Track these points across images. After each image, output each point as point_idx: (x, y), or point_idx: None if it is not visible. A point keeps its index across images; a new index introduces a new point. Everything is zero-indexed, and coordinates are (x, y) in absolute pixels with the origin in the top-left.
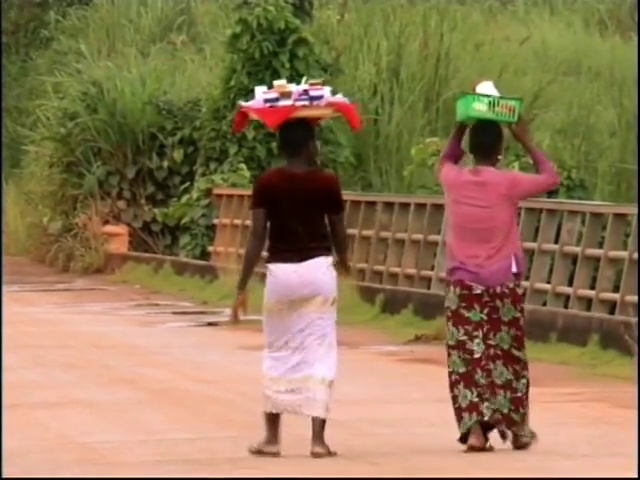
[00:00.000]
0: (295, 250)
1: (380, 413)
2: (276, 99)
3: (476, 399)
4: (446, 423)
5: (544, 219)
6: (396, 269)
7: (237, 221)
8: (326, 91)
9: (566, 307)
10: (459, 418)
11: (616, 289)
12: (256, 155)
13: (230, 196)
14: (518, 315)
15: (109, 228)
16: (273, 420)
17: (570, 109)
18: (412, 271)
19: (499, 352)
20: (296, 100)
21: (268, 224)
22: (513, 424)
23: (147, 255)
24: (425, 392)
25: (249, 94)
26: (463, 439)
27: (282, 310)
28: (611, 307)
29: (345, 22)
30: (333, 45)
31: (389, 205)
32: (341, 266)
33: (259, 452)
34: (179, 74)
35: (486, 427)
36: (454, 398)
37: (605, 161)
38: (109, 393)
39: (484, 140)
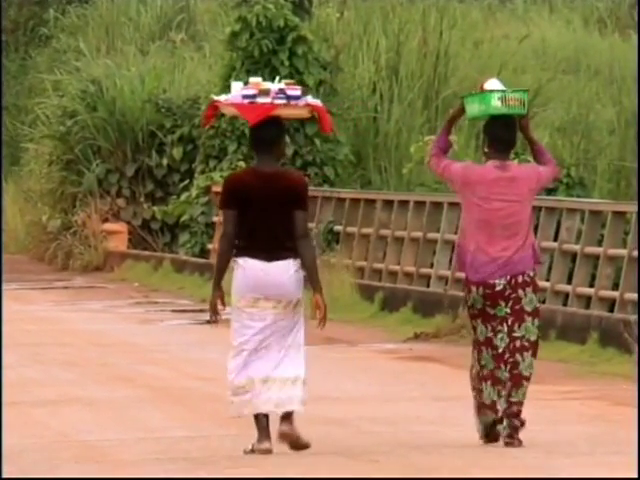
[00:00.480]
0: (264, 249)
1: (379, 411)
2: (254, 96)
3: (496, 398)
4: (445, 421)
5: (543, 217)
6: (395, 267)
7: None
8: (301, 91)
9: (565, 305)
10: (481, 413)
11: (615, 287)
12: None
13: None
14: (539, 305)
15: (108, 226)
16: (259, 420)
17: (569, 107)
18: (411, 269)
19: (526, 343)
20: (274, 98)
21: (239, 221)
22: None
23: (146, 253)
24: (424, 390)
25: None
26: (486, 436)
27: (247, 307)
28: (610, 305)
29: (344, 20)
30: (332, 43)
31: (388, 203)
32: (313, 289)
33: (252, 452)
34: (178, 72)
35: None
36: (479, 392)
37: (604, 159)
38: (108, 391)
39: (506, 135)
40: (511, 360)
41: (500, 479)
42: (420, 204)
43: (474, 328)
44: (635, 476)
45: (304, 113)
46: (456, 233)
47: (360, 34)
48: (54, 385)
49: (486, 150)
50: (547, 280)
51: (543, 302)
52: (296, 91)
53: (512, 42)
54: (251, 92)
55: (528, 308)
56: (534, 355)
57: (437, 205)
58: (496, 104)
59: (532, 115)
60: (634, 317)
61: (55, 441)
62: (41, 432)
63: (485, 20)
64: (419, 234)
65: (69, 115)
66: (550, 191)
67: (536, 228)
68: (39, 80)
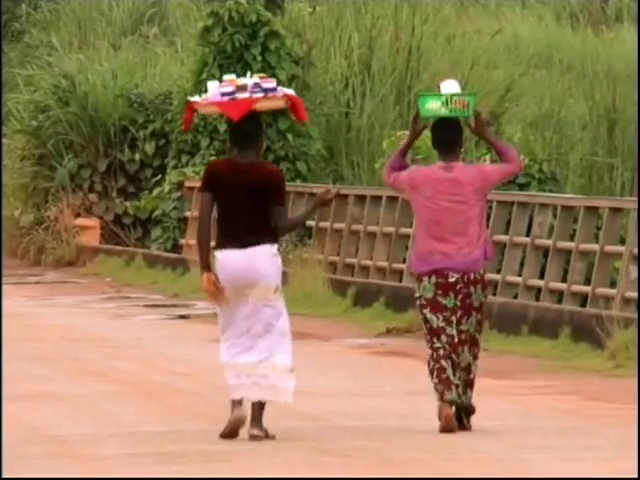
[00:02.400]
0: (239, 237)
1: (352, 406)
2: (233, 92)
3: (459, 381)
4: (417, 415)
5: (515, 212)
6: (368, 262)
7: None
8: (275, 83)
9: (537, 300)
10: (448, 388)
11: (587, 282)
12: (228, 148)
13: None
14: (484, 300)
15: (81, 221)
16: (236, 406)
17: (541, 102)
18: (384, 264)
19: (467, 337)
20: (252, 92)
21: (215, 212)
22: (467, 408)
23: (119, 248)
24: (396, 385)
25: None
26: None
27: (229, 297)
28: (582, 300)
29: (316, 15)
30: (305, 38)
31: (361, 198)
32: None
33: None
34: (151, 67)
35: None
36: (441, 369)
37: (576, 154)
38: (80, 386)
39: (445, 136)
40: (457, 352)
41: (496, 479)
42: (393, 199)
43: (425, 321)
44: (635, 476)
45: (281, 104)
46: None
47: (332, 29)
48: (26, 380)
49: (434, 151)
50: (519, 275)
51: (494, 294)
52: (271, 83)
53: (484, 37)
54: (229, 89)
55: (475, 304)
56: (471, 349)
57: (409, 201)
58: (432, 106)
59: (504, 110)
60: (606, 312)
61: (27, 436)
62: (13, 427)
63: (457, 15)
64: (391, 229)
65: (41, 110)
66: (522, 186)
67: (508, 223)
68: (11, 75)
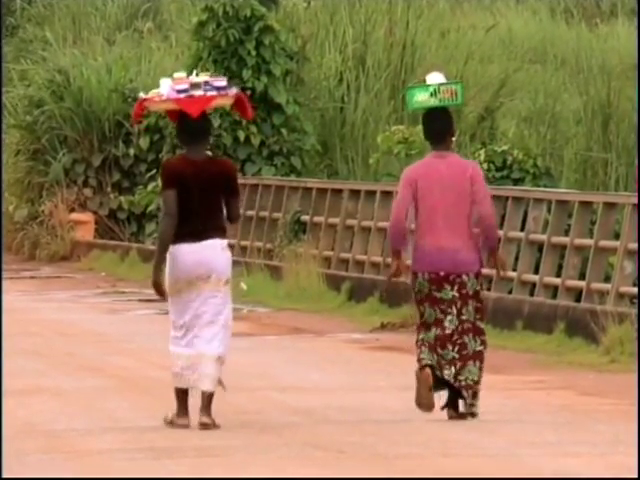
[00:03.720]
0: (194, 231)
1: (346, 401)
2: (188, 90)
3: (442, 361)
4: (411, 411)
5: (510, 207)
6: (362, 257)
7: None
8: (226, 81)
9: (532, 295)
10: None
11: (582, 277)
12: (222, 143)
13: None
14: (479, 288)
15: (75, 216)
16: (182, 395)
17: (536, 97)
18: (378, 259)
19: (469, 325)
20: (205, 90)
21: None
22: (476, 392)
23: (113, 243)
24: (390, 380)
25: None
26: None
27: (182, 289)
28: (577, 295)
29: (311, 10)
30: (299, 33)
31: (355, 193)
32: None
33: (171, 423)
34: (145, 62)
35: (453, 396)
36: (420, 357)
37: (571, 149)
38: (75, 381)
39: (435, 125)
40: (459, 342)
41: (491, 479)
42: (387, 194)
43: (421, 314)
44: (635, 476)
45: (230, 102)
46: None
47: (327, 24)
48: (21, 375)
49: (425, 139)
50: (514, 270)
51: (488, 289)
52: (222, 82)
53: (479, 32)
54: (184, 87)
55: (470, 292)
56: (481, 334)
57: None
58: (421, 98)
59: (499, 105)
60: (600, 307)
61: (22, 431)
62: (8, 422)
63: (452, 10)
64: (386, 224)
65: (36, 105)
66: (517, 181)
67: (503, 218)
68: (5, 70)
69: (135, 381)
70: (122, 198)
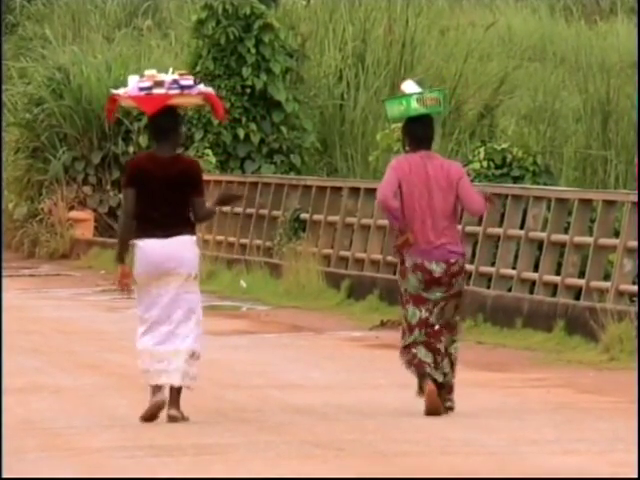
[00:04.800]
0: (161, 228)
1: (345, 398)
2: (150, 87)
3: (437, 357)
4: (411, 409)
5: (510, 205)
6: (362, 255)
7: None
8: (193, 81)
9: (531, 293)
10: (422, 372)
11: (582, 275)
12: (222, 141)
13: None
14: (462, 288)
15: (75, 214)
16: (156, 390)
17: (535, 95)
18: (378, 257)
19: (445, 322)
20: (168, 88)
21: (137, 203)
22: (451, 386)
23: (113, 241)
24: (390, 378)
25: (215, 79)
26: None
27: (150, 284)
28: (576, 293)
29: (311, 8)
30: (299, 31)
31: (355, 191)
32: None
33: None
34: (144, 59)
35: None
36: (414, 355)
37: (570, 147)
38: (74, 379)
39: (425, 133)
40: (441, 338)
41: (490, 478)
42: None
43: (405, 316)
44: (635, 476)
45: (198, 101)
46: None
47: (326, 22)
48: (20, 373)
49: (407, 149)
50: (514, 268)
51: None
52: (189, 81)
53: (478, 30)
54: (147, 84)
55: (454, 292)
56: (451, 333)
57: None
58: (415, 105)
59: (498, 103)
60: (600, 305)
61: (21, 429)
62: (7, 420)
63: (451, 8)
64: (385, 222)
65: (35, 102)
66: (516, 179)
67: (502, 216)
68: (5, 67)
69: (134, 379)
70: (122, 196)
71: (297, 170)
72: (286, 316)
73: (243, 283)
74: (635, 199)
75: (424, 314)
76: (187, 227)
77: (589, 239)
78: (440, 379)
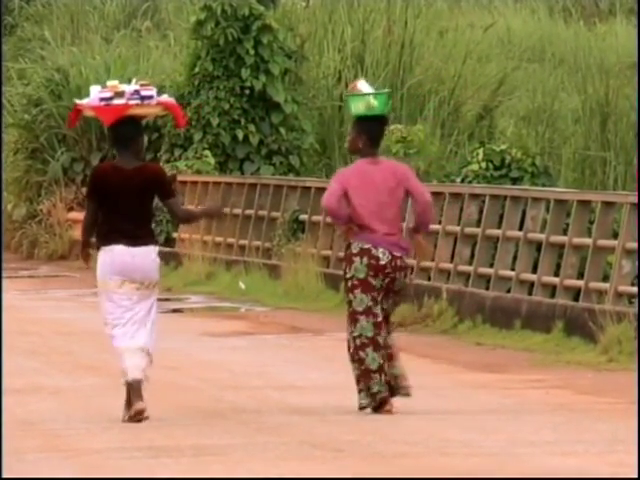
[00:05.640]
0: (127, 237)
1: (344, 400)
2: (110, 98)
3: (382, 361)
4: (409, 409)
5: (508, 206)
6: None
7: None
8: (154, 91)
9: (530, 294)
10: (368, 380)
11: (580, 276)
12: (220, 142)
13: (194, 183)
14: (404, 286)
15: (73, 215)
16: (130, 388)
17: (534, 96)
18: None
19: (385, 315)
20: (129, 99)
21: (101, 212)
22: (402, 377)
23: None
24: None
25: (213, 81)
26: (372, 403)
27: (113, 288)
28: (575, 294)
29: (309, 9)
30: (297, 32)
31: None
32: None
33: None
34: (143, 61)
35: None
36: (360, 360)
37: (569, 148)
38: (73, 380)
39: (383, 132)
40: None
41: (489, 478)
42: None
43: (350, 301)
44: (635, 476)
45: (158, 111)
46: None
47: (325, 23)
48: (19, 374)
49: (360, 146)
50: (512, 269)
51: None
52: (150, 91)
53: (477, 31)
54: (107, 95)
55: (396, 288)
56: (389, 327)
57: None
58: (374, 104)
59: (497, 104)
60: (599, 306)
61: (20, 430)
62: (6, 420)
63: (450, 9)
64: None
65: (34, 103)
66: (515, 180)
67: (501, 217)
68: (4, 68)
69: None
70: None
71: (296, 171)
72: (285, 317)
73: (242, 284)
74: (634, 200)
75: (370, 302)
76: (151, 237)
77: (588, 240)
78: (383, 389)
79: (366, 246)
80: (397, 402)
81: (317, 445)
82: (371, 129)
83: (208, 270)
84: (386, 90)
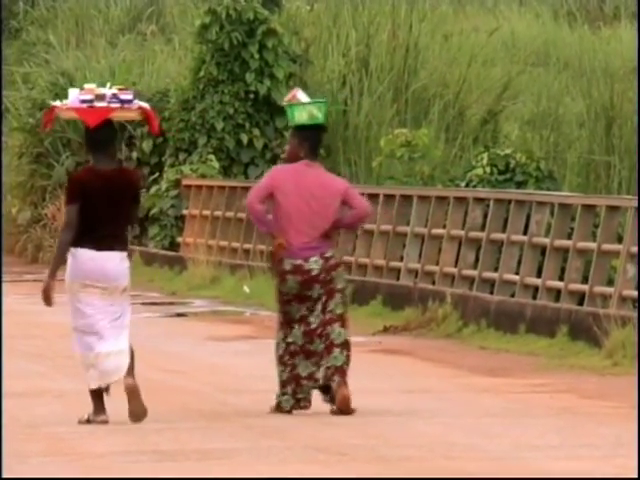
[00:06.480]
0: (97, 239)
1: None
2: (92, 100)
3: (314, 368)
4: (413, 413)
5: (513, 210)
6: (365, 260)
7: (206, 212)
8: (132, 95)
9: (535, 298)
10: (297, 386)
11: (585, 280)
12: (225, 146)
13: (199, 187)
14: (345, 283)
15: None
16: (99, 394)
17: (539, 100)
18: (381, 262)
19: (334, 316)
20: (109, 102)
21: (81, 216)
22: (345, 375)
23: None
24: (393, 383)
25: (218, 85)
26: (296, 407)
27: (79, 291)
28: (580, 298)
29: (314, 13)
30: (302, 36)
31: None
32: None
33: (88, 421)
34: (148, 65)
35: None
36: (293, 366)
37: (574, 152)
38: (77, 383)
39: (322, 140)
40: (324, 332)
41: (493, 479)
42: (390, 197)
43: (285, 312)
44: (635, 476)
45: (136, 116)
46: (426, 226)
47: (330, 27)
48: (23, 377)
49: (302, 155)
50: (517, 273)
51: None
52: (128, 95)
53: (482, 35)
54: (88, 97)
55: (339, 286)
56: (343, 326)
57: (407, 198)
58: (317, 113)
59: (501, 108)
60: (603, 310)
61: (24, 433)
62: (10, 424)
63: (455, 13)
64: (388, 227)
65: (39, 107)
66: (520, 184)
67: (505, 221)
68: (8, 72)
69: (138, 384)
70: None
71: None
72: None
73: (246, 288)
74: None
75: (305, 311)
76: (121, 242)
77: (592, 245)
78: (308, 397)
79: (297, 262)
80: (400, 406)
81: (321, 449)
82: (313, 138)
83: (212, 274)
84: (323, 99)
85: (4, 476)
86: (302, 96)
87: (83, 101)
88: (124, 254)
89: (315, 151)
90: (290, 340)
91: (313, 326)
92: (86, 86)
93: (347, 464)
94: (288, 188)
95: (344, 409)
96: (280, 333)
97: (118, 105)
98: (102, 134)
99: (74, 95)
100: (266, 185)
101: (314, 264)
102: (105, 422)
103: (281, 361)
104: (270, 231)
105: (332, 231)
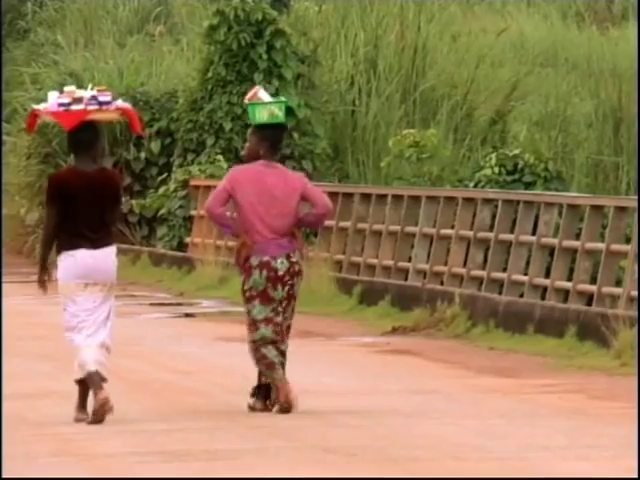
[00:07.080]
0: (89, 240)
1: (357, 404)
2: (69, 104)
3: (283, 359)
4: (422, 414)
5: (521, 211)
6: (373, 260)
7: None
8: (111, 96)
9: (543, 299)
10: (272, 370)
11: (593, 281)
12: (233, 146)
13: (207, 187)
14: (297, 293)
15: None
16: (84, 390)
17: (547, 101)
18: (389, 262)
19: (288, 325)
20: (87, 104)
21: (62, 217)
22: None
23: (124, 246)
24: (401, 383)
25: (226, 85)
26: (269, 396)
27: (76, 291)
28: (588, 299)
29: (322, 13)
30: (310, 37)
31: (366, 196)
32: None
33: (78, 420)
34: (156, 65)
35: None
36: (264, 356)
37: (582, 153)
38: None
39: (282, 140)
40: (283, 338)
41: (501, 479)
42: (398, 198)
43: (249, 311)
44: (635, 476)
45: (116, 116)
46: (434, 227)
47: (338, 28)
48: (30, 378)
49: (261, 154)
50: (525, 274)
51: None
52: (107, 97)
53: (490, 35)
54: (66, 100)
55: (296, 294)
56: (289, 328)
57: (415, 199)
58: (278, 112)
59: (510, 109)
60: (612, 311)
61: (31, 434)
62: (17, 425)
63: (463, 13)
64: (397, 228)
65: None
66: (528, 185)
67: (514, 222)
68: (17, 73)
69: (145, 384)
70: (133, 202)
71: (309, 176)
72: (297, 322)
73: None
74: None
75: (270, 313)
76: (110, 238)
77: (601, 245)
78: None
79: (265, 259)
80: (408, 406)
81: (329, 449)
82: (273, 137)
83: (221, 274)
84: (284, 99)
85: (4, 476)
86: (263, 95)
87: (60, 104)
88: (114, 249)
89: (275, 150)
90: (257, 338)
91: (279, 327)
92: (66, 89)
93: (356, 465)
94: (248, 189)
95: (287, 401)
96: (249, 335)
97: (96, 107)
98: (83, 135)
99: (53, 98)
100: (225, 188)
101: (280, 264)
102: (81, 421)
103: (256, 360)
104: (234, 232)
105: (296, 230)
